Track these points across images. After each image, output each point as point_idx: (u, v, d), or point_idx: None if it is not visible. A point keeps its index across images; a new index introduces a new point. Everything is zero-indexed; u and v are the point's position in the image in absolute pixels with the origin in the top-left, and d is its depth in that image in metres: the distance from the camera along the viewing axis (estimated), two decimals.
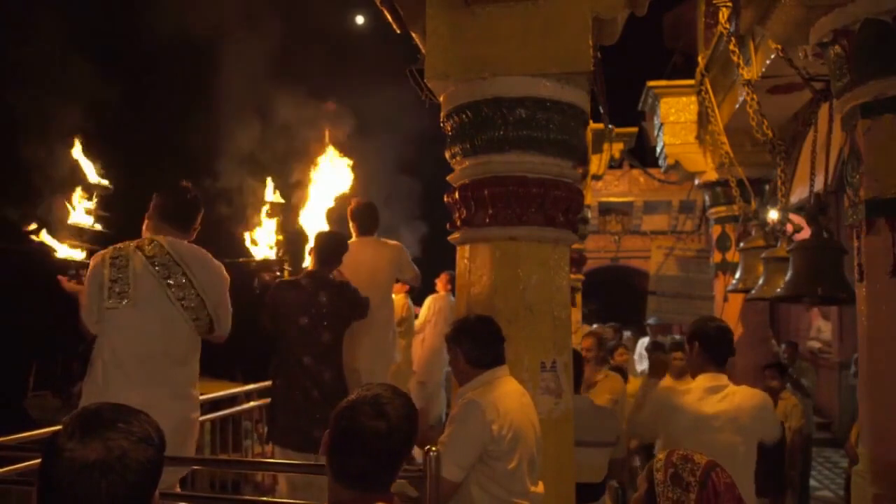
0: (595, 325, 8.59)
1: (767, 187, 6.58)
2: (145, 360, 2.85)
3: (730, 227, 7.10)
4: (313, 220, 4.59)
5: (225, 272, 3.09)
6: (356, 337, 4.13)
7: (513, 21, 2.78)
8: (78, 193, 3.52)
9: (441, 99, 3.03)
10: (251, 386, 5.32)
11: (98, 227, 3.56)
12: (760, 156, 5.84)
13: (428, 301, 6.99)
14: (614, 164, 11.35)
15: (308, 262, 4.18)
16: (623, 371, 6.09)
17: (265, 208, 4.35)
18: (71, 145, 3.50)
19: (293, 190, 4.69)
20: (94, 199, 3.55)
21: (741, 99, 5.24)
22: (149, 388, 2.77)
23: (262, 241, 4.36)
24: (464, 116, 2.86)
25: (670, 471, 1.60)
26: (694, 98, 7.10)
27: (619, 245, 16.45)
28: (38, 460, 1.19)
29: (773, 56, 4.42)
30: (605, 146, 8.68)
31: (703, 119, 7.00)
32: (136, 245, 2.96)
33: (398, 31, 3.24)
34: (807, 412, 6.12)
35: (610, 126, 8.14)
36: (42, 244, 3.43)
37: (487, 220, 2.82)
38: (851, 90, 2.98)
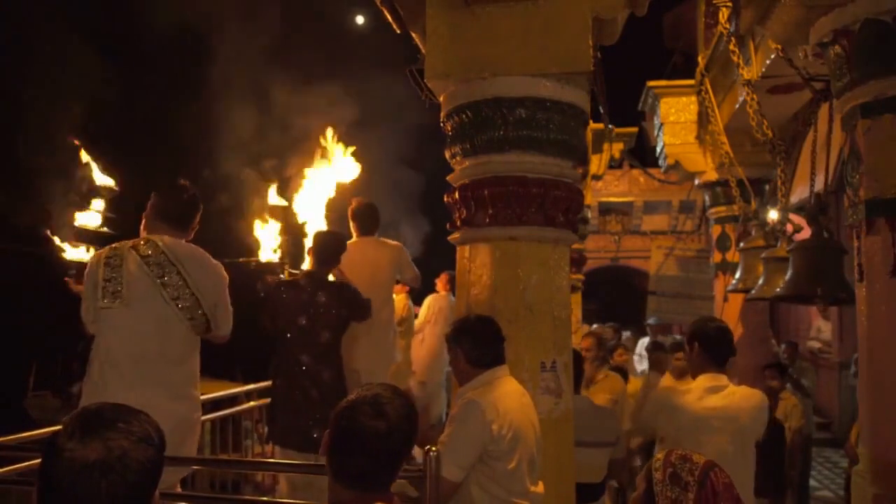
0: (595, 326, 8.60)
1: (767, 187, 6.58)
2: (140, 360, 2.83)
3: (730, 227, 7.10)
4: (315, 213, 4.58)
5: (223, 271, 3.08)
6: (357, 337, 4.14)
7: (513, 21, 2.78)
8: (84, 195, 3.53)
9: (441, 99, 3.03)
10: (251, 386, 5.32)
11: (105, 229, 3.57)
12: (760, 156, 5.84)
13: (427, 301, 7.00)
14: (614, 164, 11.35)
15: (307, 262, 4.18)
16: (624, 371, 6.10)
17: (267, 213, 4.36)
18: (74, 146, 3.51)
19: (296, 185, 4.68)
20: (102, 201, 3.56)
21: (741, 99, 5.24)
22: (144, 389, 2.76)
23: (266, 244, 4.37)
24: (464, 116, 2.86)
25: (669, 470, 1.61)
26: (694, 98, 7.10)
27: (619, 245, 16.45)
28: (38, 460, 1.19)
29: (773, 56, 4.42)
30: (605, 146, 8.68)
31: (703, 119, 7.00)
32: (132, 245, 2.95)
33: (398, 31, 3.25)
34: (807, 412, 6.12)
35: (610, 126, 8.14)
36: (42, 244, 3.44)
37: (487, 220, 2.82)
38: (851, 90, 2.98)
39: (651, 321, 10.93)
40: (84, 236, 3.56)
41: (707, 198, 7.58)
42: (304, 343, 3.74)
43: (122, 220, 3.65)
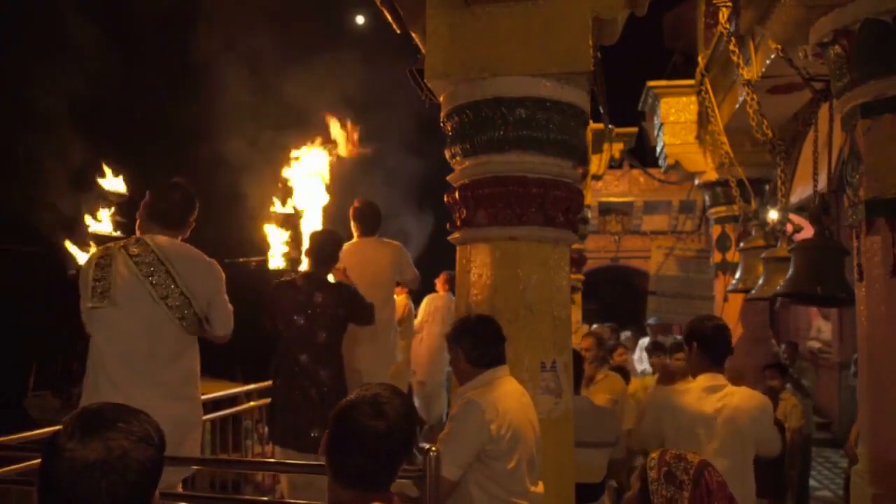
0: (594, 326, 8.60)
1: (767, 187, 6.59)
2: (130, 360, 2.81)
3: (730, 227, 7.11)
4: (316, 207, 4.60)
5: (218, 270, 3.04)
6: (357, 337, 4.13)
7: (513, 21, 2.78)
8: (94, 200, 3.53)
9: (441, 99, 3.03)
10: (251, 386, 5.32)
11: (118, 233, 3.57)
12: (760, 156, 5.85)
13: (426, 301, 7.00)
14: (614, 164, 11.35)
15: (304, 263, 4.18)
16: (625, 371, 6.09)
17: (275, 222, 4.38)
18: (81, 149, 3.52)
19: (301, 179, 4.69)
20: (112, 207, 3.56)
21: (741, 99, 5.24)
22: (136, 389, 2.74)
23: (276, 250, 4.39)
24: (464, 116, 2.86)
25: (664, 469, 1.62)
26: (694, 98, 7.10)
27: (619, 245, 16.45)
28: (38, 460, 1.19)
29: (773, 56, 4.42)
30: (605, 146, 8.69)
31: (703, 119, 7.01)
32: (123, 244, 2.94)
33: (398, 31, 3.25)
34: (807, 412, 6.12)
35: (610, 126, 8.15)
36: (43, 245, 3.46)
37: (487, 220, 2.82)
38: (851, 90, 2.98)
39: (651, 321, 10.93)
40: (98, 241, 3.56)
41: (707, 198, 7.58)
42: (302, 343, 3.74)
43: (130, 223, 3.66)
